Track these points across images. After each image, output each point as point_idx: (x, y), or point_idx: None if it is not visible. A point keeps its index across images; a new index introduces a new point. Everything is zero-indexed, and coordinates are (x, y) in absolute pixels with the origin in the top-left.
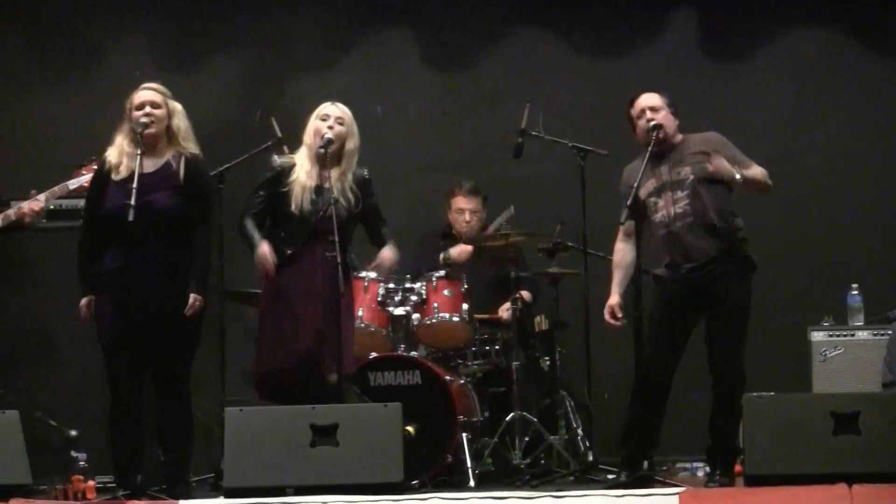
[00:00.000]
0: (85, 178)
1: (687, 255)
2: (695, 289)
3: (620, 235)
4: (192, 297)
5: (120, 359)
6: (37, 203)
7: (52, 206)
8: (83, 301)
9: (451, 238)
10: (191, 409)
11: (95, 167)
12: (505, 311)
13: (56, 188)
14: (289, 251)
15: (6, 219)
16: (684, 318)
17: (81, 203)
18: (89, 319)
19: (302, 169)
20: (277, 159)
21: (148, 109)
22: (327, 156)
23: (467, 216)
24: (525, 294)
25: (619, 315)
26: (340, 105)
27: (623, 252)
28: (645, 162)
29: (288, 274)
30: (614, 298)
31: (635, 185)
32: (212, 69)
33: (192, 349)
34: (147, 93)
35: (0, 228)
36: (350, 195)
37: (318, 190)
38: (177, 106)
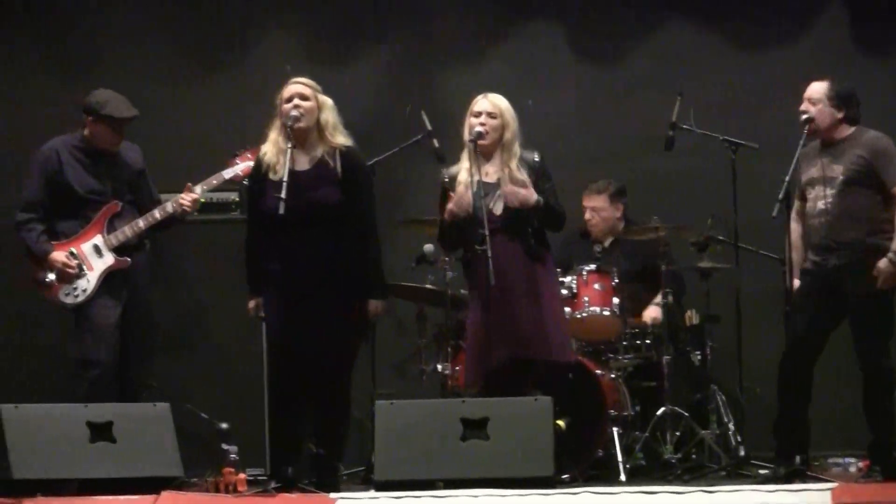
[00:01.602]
0: (240, 168)
1: (829, 248)
2: (836, 283)
3: (794, 215)
4: (372, 304)
5: (286, 353)
6: (193, 194)
7: (203, 199)
8: (251, 303)
9: (586, 236)
10: (349, 405)
11: (250, 156)
12: (648, 316)
13: (212, 178)
14: (469, 254)
15: (163, 211)
16: (824, 311)
17: (232, 196)
18: (259, 319)
19: (464, 169)
20: (445, 172)
21: (297, 101)
22: (477, 148)
23: (588, 214)
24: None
25: None
26: (492, 96)
27: (795, 231)
28: (798, 152)
29: (473, 276)
30: (795, 283)
31: (786, 178)
32: (362, 63)
33: (354, 347)
34: (296, 86)
35: (159, 222)
36: (522, 181)
37: (480, 184)
38: (327, 100)
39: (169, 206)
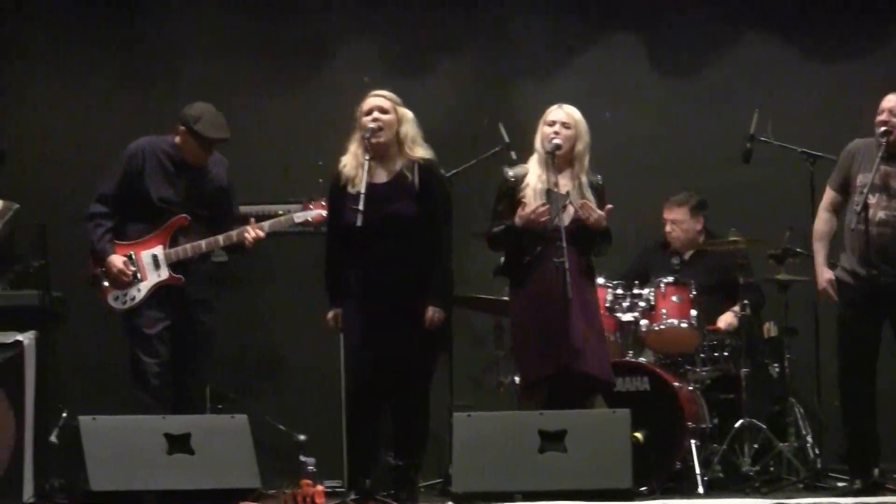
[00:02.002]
0: (311, 214)
1: (884, 259)
2: (881, 292)
3: (826, 204)
4: (430, 310)
5: (364, 364)
6: (260, 231)
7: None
8: (330, 314)
9: (665, 247)
10: (428, 417)
11: (324, 204)
12: (723, 321)
13: (282, 219)
14: (525, 259)
15: (227, 239)
16: (871, 320)
17: None
18: (338, 330)
19: (534, 175)
20: (509, 171)
21: (376, 115)
22: (554, 160)
23: (668, 227)
24: None
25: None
26: (567, 107)
27: (830, 223)
28: (877, 160)
29: (532, 283)
30: (829, 273)
31: (865, 189)
32: (440, 74)
33: (433, 357)
34: (376, 99)
35: (222, 247)
36: (587, 197)
37: (549, 193)
38: (407, 113)
39: (234, 235)
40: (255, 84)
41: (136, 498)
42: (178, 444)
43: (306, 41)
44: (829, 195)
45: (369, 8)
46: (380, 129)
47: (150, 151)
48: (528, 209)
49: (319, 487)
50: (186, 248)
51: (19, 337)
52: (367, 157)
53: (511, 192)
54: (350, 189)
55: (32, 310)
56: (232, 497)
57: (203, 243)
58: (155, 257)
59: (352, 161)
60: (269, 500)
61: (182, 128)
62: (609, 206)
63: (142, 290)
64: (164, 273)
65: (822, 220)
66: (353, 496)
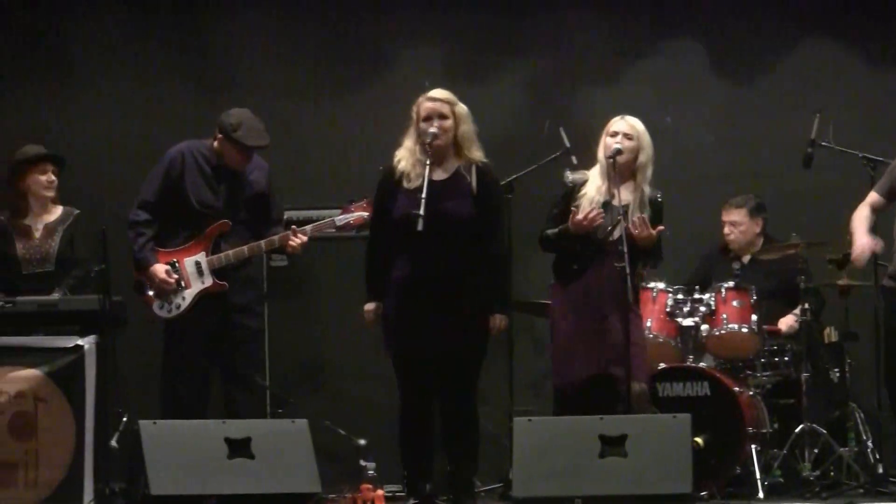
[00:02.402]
0: (352, 217)
1: None
2: None
3: (867, 201)
4: (498, 318)
5: (409, 368)
6: (303, 238)
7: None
8: (370, 306)
9: (725, 252)
10: (477, 419)
11: (365, 204)
12: (784, 323)
13: (323, 222)
14: (574, 266)
15: (269, 245)
16: None
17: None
18: (374, 324)
19: (593, 185)
20: (570, 175)
21: (437, 123)
22: (615, 168)
23: (727, 229)
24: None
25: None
26: (630, 118)
27: (870, 217)
28: None
29: (576, 289)
30: (870, 239)
31: None
32: (500, 79)
33: (479, 359)
34: (434, 104)
35: (265, 251)
36: (646, 210)
37: (606, 206)
38: (462, 110)
39: (276, 241)
40: (315, 88)
41: (196, 502)
42: (239, 448)
43: (367, 46)
44: (873, 196)
45: (431, 13)
46: (439, 135)
47: (189, 156)
48: (582, 214)
49: (379, 492)
50: (229, 255)
51: (80, 341)
52: (428, 161)
53: (568, 197)
54: (406, 184)
55: (93, 314)
56: (292, 501)
57: (246, 249)
58: (198, 264)
59: (408, 157)
60: None
61: (220, 135)
62: (661, 227)
63: (186, 298)
64: (208, 280)
65: (862, 211)
66: (412, 501)
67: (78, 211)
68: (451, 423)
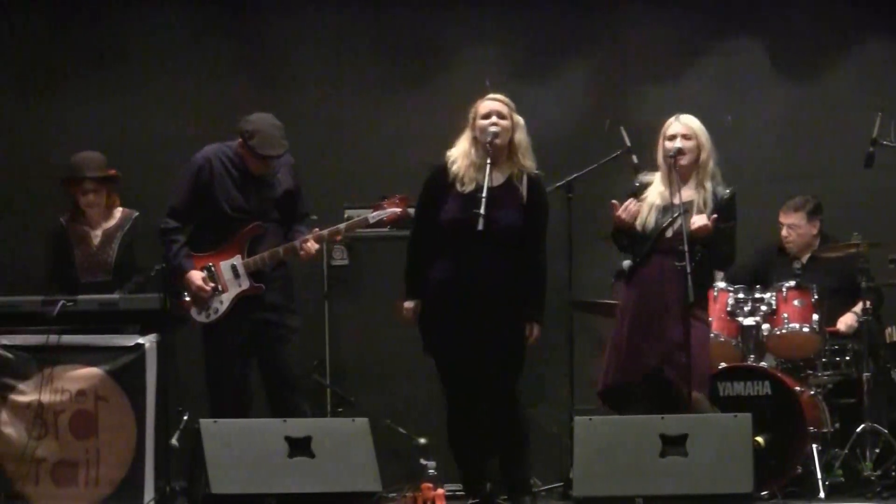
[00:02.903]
0: (385, 213)
1: None
2: None
3: None
4: (535, 326)
5: (451, 369)
6: (314, 244)
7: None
8: (409, 304)
9: (782, 251)
10: (521, 419)
11: (398, 201)
12: (843, 322)
13: (356, 220)
14: (633, 264)
15: (291, 250)
16: None
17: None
18: (412, 323)
19: (655, 189)
20: (641, 178)
21: (495, 119)
22: (676, 169)
23: (784, 231)
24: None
25: None
26: (684, 117)
27: None
28: None
29: (633, 287)
30: None
31: None
32: (560, 78)
33: (517, 366)
34: (494, 103)
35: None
36: (708, 209)
37: (666, 208)
38: (520, 120)
39: (297, 244)
40: (374, 86)
41: (256, 501)
42: (299, 447)
43: (427, 44)
44: None
45: (491, 11)
46: (499, 133)
47: (216, 161)
48: (619, 210)
49: (440, 491)
50: (265, 257)
51: (140, 340)
52: (488, 161)
53: (633, 196)
54: (459, 187)
55: (153, 313)
56: (352, 500)
57: (281, 250)
58: (234, 268)
59: (463, 160)
60: (389, 503)
61: (240, 139)
62: (714, 216)
63: (224, 302)
64: (245, 283)
65: None
66: (472, 500)
67: (137, 213)
68: (496, 426)
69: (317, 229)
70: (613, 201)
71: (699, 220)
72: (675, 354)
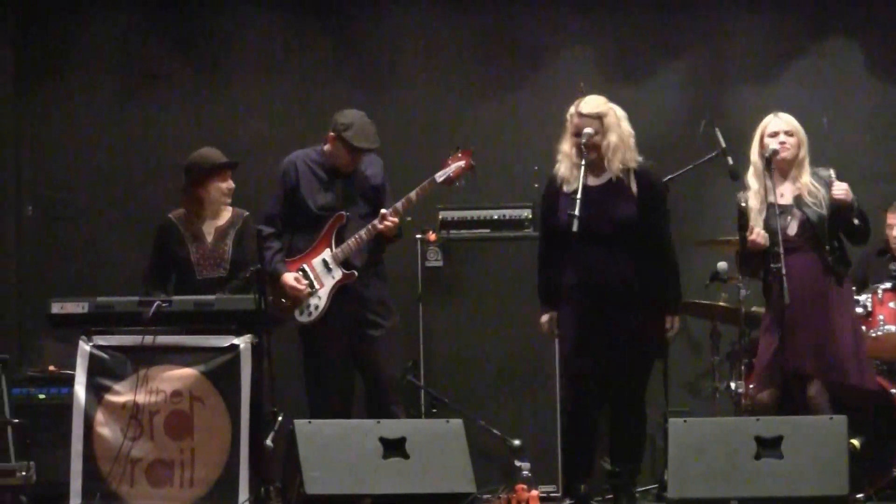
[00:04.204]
0: (451, 169)
1: None
2: None
3: None
4: (675, 319)
5: (580, 368)
6: (393, 217)
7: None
8: (544, 318)
9: (882, 254)
10: (645, 423)
11: (461, 156)
12: None
13: (424, 183)
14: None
15: (373, 229)
16: None
17: (525, 213)
18: (551, 334)
19: (752, 194)
20: (740, 196)
21: (584, 141)
22: (772, 167)
23: (895, 231)
24: None
25: None
26: (783, 115)
27: None
28: None
29: (774, 291)
30: None
31: None
32: (656, 78)
33: (649, 365)
34: (581, 121)
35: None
36: (819, 195)
37: (771, 206)
38: (611, 120)
39: (377, 223)
40: (471, 88)
41: (350, 502)
42: (394, 448)
43: (523, 45)
44: None
45: (586, 12)
46: (594, 139)
47: (301, 163)
48: (752, 236)
49: (534, 492)
50: (350, 243)
51: (235, 340)
52: (583, 162)
53: (746, 217)
54: (565, 189)
55: (248, 314)
56: (446, 502)
57: (363, 232)
58: (325, 262)
59: (565, 162)
60: None
61: (332, 134)
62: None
63: (322, 298)
64: (338, 273)
65: None
66: (568, 501)
67: (248, 213)
68: (619, 428)
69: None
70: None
71: (839, 189)
72: (828, 349)
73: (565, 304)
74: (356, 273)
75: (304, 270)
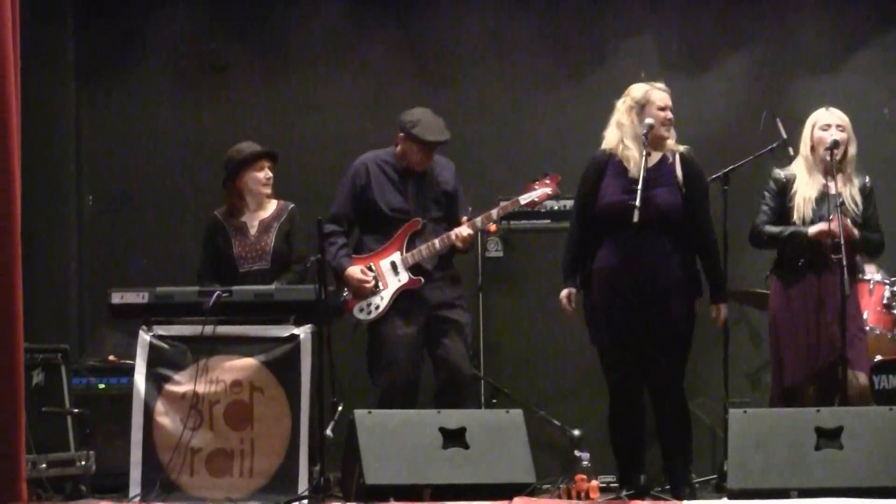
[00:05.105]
0: (536, 194)
1: None
2: None
3: None
4: (722, 307)
5: (618, 358)
6: (468, 230)
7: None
8: (563, 293)
9: None
10: (687, 409)
11: (549, 182)
12: None
13: (508, 203)
14: (800, 261)
15: (447, 239)
16: None
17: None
18: (572, 312)
19: (802, 181)
20: (780, 172)
21: (669, 115)
22: (833, 161)
23: None
24: None
25: None
26: (835, 110)
27: None
28: None
29: (801, 285)
30: None
31: None
32: (718, 69)
33: (685, 351)
34: (666, 96)
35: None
36: (857, 201)
37: (821, 199)
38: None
39: (452, 235)
40: (533, 80)
41: (411, 492)
42: (454, 438)
43: (585, 38)
44: None
45: (648, 6)
46: (666, 125)
47: (373, 165)
48: (823, 226)
49: (594, 483)
50: (422, 250)
51: (295, 330)
52: (645, 153)
53: (782, 193)
54: (616, 172)
55: (308, 304)
56: (507, 492)
57: (437, 242)
58: (393, 264)
59: (617, 144)
60: (543, 495)
61: (401, 134)
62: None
63: (385, 298)
64: (404, 277)
65: None
66: (626, 492)
67: (293, 205)
68: (662, 415)
69: (466, 218)
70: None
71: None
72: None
73: (600, 287)
74: (422, 280)
75: (370, 268)
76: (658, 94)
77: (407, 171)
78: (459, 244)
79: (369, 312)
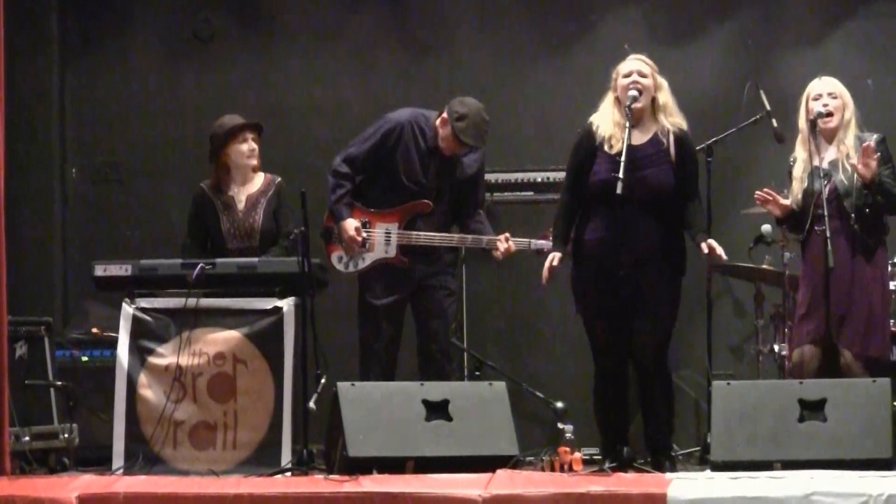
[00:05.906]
0: (547, 245)
1: None
2: None
3: None
4: (709, 241)
5: (601, 330)
6: (508, 246)
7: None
8: (549, 256)
9: None
10: (671, 381)
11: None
12: None
13: (521, 241)
14: (807, 229)
15: (476, 242)
16: None
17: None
18: (548, 279)
19: (798, 158)
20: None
21: (636, 77)
22: (817, 130)
23: None
24: None
25: None
26: (827, 78)
27: None
28: None
29: (808, 252)
30: None
31: None
32: (703, 42)
33: (670, 323)
34: (635, 63)
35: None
36: (851, 164)
37: (815, 171)
38: (663, 82)
39: (483, 241)
40: (518, 51)
41: (393, 464)
42: (437, 410)
43: (570, 9)
44: None
45: None
46: (639, 92)
47: (409, 129)
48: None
49: (577, 455)
50: (419, 236)
51: (279, 303)
52: (627, 125)
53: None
54: (606, 149)
55: (292, 276)
56: (490, 464)
57: (437, 237)
58: (388, 233)
59: (606, 121)
60: (527, 467)
61: (445, 116)
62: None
63: (366, 260)
64: (392, 251)
65: None
66: (609, 464)
67: (280, 179)
68: (645, 388)
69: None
70: (759, 193)
71: (859, 165)
72: (843, 319)
73: (587, 260)
74: (407, 262)
75: (365, 225)
76: (625, 63)
77: (436, 148)
78: (498, 254)
79: (346, 266)
